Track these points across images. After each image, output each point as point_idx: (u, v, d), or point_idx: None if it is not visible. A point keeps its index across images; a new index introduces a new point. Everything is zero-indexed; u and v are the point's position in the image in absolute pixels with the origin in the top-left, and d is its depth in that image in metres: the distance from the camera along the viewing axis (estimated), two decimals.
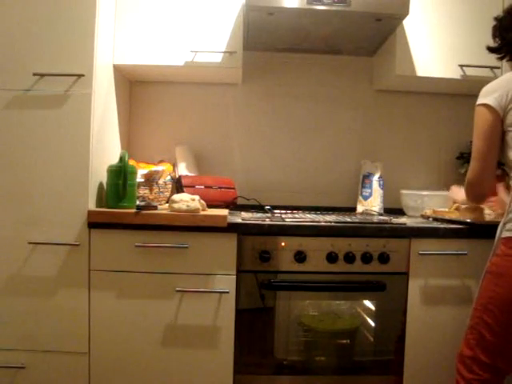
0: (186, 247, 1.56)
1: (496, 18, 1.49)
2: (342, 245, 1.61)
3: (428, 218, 1.86)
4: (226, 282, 1.57)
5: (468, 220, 1.64)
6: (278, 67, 2.23)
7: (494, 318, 1.29)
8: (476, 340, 1.32)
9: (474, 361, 1.31)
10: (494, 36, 1.49)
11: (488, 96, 1.39)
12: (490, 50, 1.50)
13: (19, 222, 1.56)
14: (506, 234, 1.31)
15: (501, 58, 1.51)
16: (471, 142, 2.18)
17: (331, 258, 1.60)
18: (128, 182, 1.62)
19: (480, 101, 1.42)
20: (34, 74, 1.55)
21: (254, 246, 1.59)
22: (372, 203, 2.05)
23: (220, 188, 1.90)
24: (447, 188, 1.91)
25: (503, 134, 1.39)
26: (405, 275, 1.63)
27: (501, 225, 1.35)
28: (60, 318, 1.57)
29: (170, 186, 1.91)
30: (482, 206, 1.66)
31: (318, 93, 2.24)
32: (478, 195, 1.48)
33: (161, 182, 1.84)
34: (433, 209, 1.90)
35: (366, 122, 2.26)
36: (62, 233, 1.56)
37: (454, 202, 1.80)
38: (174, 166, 2.06)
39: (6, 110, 1.56)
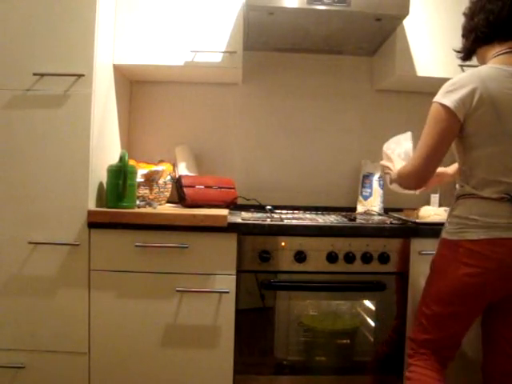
0: (186, 247, 1.56)
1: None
2: (341, 245, 1.61)
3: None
4: (226, 282, 1.57)
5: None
6: (279, 67, 2.23)
7: (432, 310, 1.35)
8: (419, 325, 1.40)
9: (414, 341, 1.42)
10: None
11: (451, 95, 1.25)
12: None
13: (19, 221, 1.56)
14: (443, 236, 1.37)
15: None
16: None
17: (331, 258, 1.60)
18: (128, 182, 1.62)
19: (439, 99, 1.27)
20: (34, 74, 1.55)
21: (254, 245, 1.59)
22: (372, 203, 2.05)
23: (220, 188, 1.89)
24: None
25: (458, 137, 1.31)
26: (405, 275, 1.63)
27: (444, 226, 1.39)
28: (60, 318, 1.57)
29: (170, 186, 1.92)
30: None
31: (318, 93, 2.24)
32: (412, 188, 1.44)
33: (161, 181, 1.84)
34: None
35: (366, 122, 2.26)
36: (62, 233, 1.56)
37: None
38: (174, 165, 2.06)
39: (6, 110, 1.56)
